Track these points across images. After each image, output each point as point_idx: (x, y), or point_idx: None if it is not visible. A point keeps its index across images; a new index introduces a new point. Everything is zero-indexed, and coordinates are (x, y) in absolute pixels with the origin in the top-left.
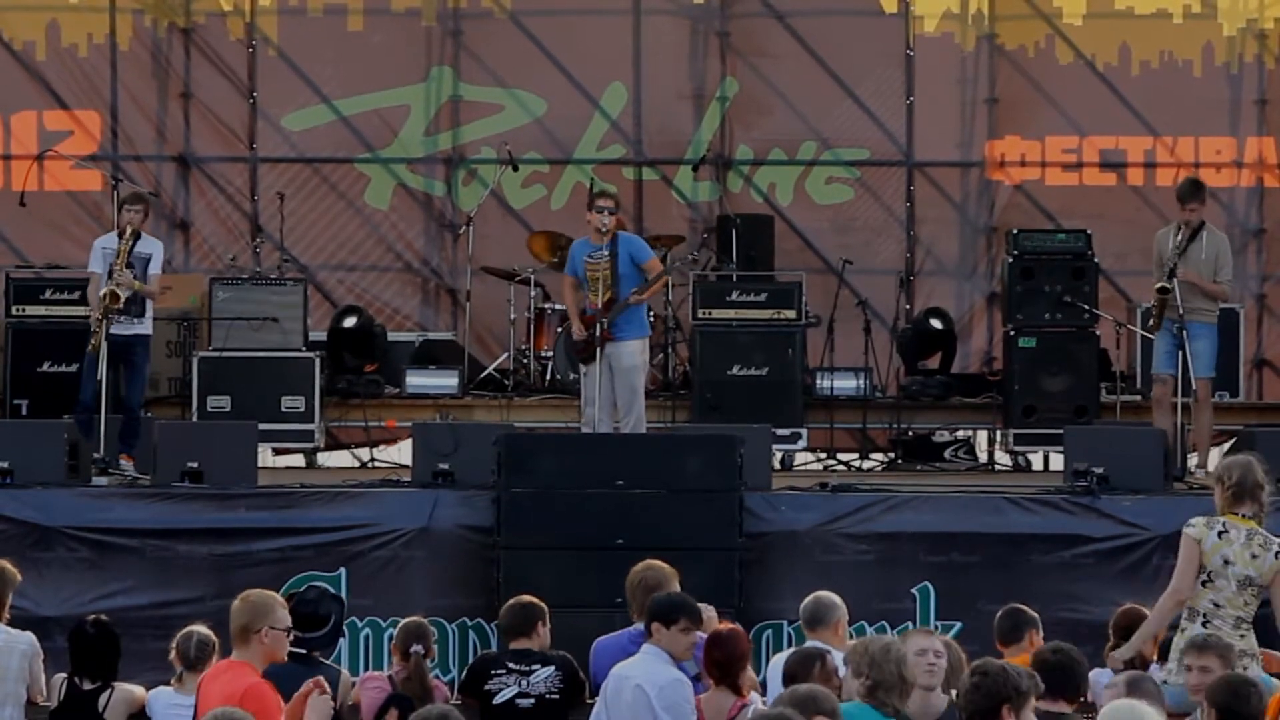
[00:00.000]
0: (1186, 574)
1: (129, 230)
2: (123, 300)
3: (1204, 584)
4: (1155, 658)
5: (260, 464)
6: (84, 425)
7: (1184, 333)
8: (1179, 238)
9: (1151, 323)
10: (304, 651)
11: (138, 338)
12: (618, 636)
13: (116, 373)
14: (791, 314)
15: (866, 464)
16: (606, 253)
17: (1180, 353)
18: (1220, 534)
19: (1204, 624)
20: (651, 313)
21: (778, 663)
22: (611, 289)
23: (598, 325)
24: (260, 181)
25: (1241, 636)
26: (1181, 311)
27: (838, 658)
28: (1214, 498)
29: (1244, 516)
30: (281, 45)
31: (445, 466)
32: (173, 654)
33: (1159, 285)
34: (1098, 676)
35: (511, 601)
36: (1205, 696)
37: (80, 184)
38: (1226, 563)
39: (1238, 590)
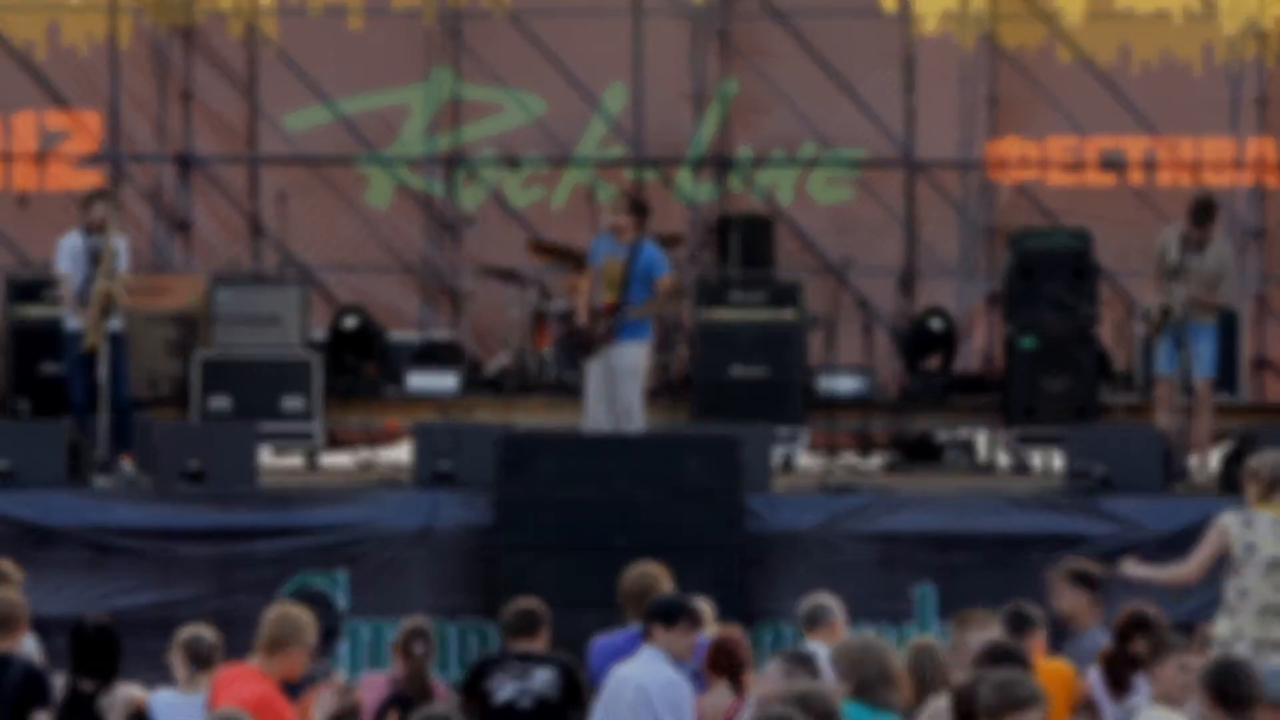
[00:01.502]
0: (1199, 557)
1: (108, 227)
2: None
3: (1231, 573)
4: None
5: (260, 464)
6: (80, 428)
7: (1184, 334)
8: (1182, 254)
9: (1150, 333)
10: None
11: (113, 335)
12: (614, 637)
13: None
14: (791, 314)
15: (867, 465)
16: (622, 256)
17: (1181, 353)
18: (1246, 523)
19: (1229, 616)
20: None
21: None
22: (619, 292)
23: (595, 324)
24: (260, 181)
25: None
26: (1180, 314)
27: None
28: (1247, 494)
29: (1277, 504)
30: (281, 45)
31: (445, 467)
32: (176, 655)
33: (1162, 306)
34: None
35: (517, 602)
36: (1198, 680)
37: (80, 184)
38: (1250, 548)
39: (1264, 575)
